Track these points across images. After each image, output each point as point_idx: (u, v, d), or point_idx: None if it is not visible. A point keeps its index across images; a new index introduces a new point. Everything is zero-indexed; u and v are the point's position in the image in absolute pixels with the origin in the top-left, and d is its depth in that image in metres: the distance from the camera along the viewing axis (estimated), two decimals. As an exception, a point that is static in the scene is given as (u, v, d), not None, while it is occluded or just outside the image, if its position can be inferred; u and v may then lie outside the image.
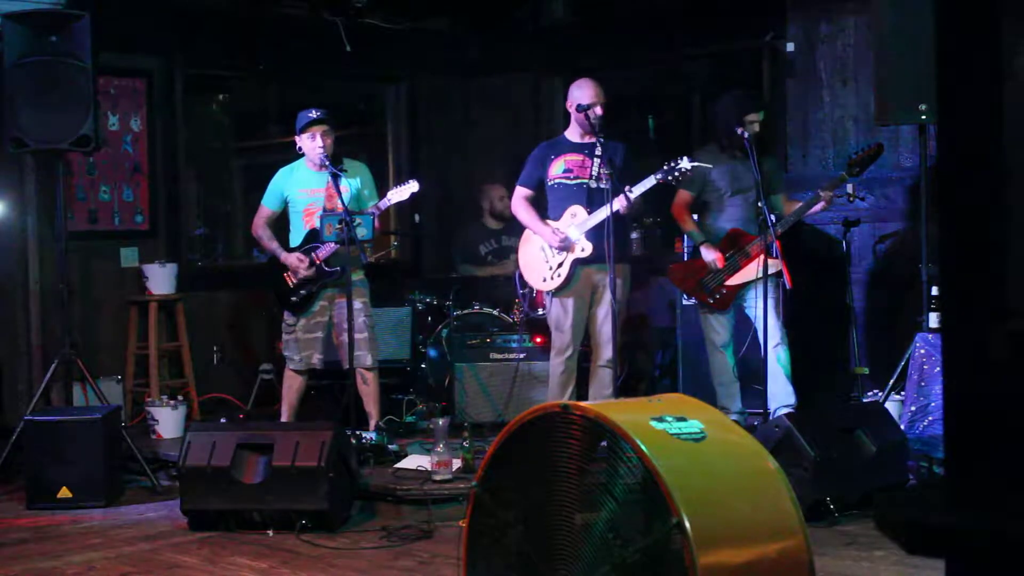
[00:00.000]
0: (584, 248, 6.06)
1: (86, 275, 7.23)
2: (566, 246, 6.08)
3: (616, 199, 5.78)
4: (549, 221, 6.18)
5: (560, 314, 6.17)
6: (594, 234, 6.02)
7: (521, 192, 6.30)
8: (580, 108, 6.07)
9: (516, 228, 6.66)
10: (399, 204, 6.76)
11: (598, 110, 6.06)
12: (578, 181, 6.14)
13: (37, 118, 6.07)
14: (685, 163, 5.85)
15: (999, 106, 1.70)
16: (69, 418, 5.86)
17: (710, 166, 6.19)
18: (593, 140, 6.12)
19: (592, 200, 6.09)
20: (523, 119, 8.70)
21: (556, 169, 6.20)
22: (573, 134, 6.25)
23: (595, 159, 6.11)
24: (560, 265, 6.11)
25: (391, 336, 7.38)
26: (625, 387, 6.34)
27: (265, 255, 6.78)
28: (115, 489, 5.91)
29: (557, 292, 6.16)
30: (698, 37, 7.80)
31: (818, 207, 6.10)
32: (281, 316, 6.56)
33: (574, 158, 6.17)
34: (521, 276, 6.56)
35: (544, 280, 6.20)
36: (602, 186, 6.04)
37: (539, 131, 8.23)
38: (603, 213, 5.88)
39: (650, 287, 7.70)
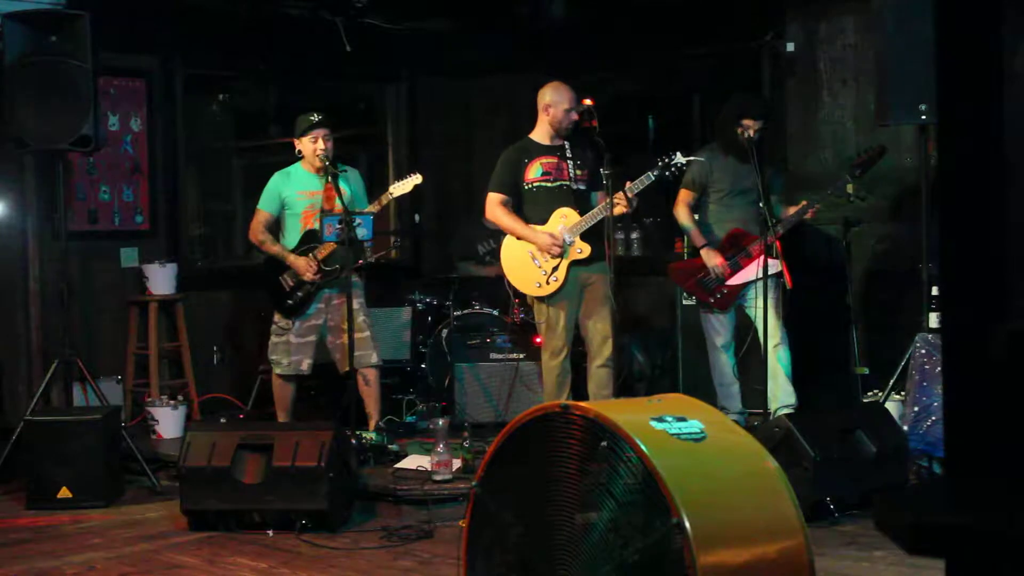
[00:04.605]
0: (581, 250, 6.03)
1: (86, 275, 7.23)
2: (563, 251, 6.04)
3: (615, 200, 5.77)
4: (536, 226, 6.08)
5: (553, 316, 6.10)
6: (587, 235, 6.01)
7: (497, 198, 6.14)
8: (566, 112, 6.05)
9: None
10: (400, 206, 6.75)
11: (574, 115, 6.05)
12: (559, 183, 6.09)
13: (37, 118, 6.07)
14: (679, 157, 5.85)
15: (999, 106, 1.70)
16: (69, 418, 5.87)
17: (703, 159, 6.19)
18: (561, 142, 6.11)
19: (578, 201, 6.07)
20: (523, 119, 8.67)
21: (533, 172, 6.12)
22: (541, 136, 6.19)
23: (568, 161, 6.10)
24: (555, 269, 6.04)
25: (391, 336, 7.38)
26: (625, 387, 6.32)
27: (263, 257, 6.74)
28: (115, 489, 5.91)
29: (551, 297, 6.08)
30: (698, 37, 7.79)
31: (816, 208, 6.13)
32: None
33: (549, 160, 6.13)
34: (509, 283, 6.38)
35: (538, 286, 6.07)
36: (581, 187, 6.04)
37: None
38: (599, 214, 5.88)
39: (650, 287, 7.69)
